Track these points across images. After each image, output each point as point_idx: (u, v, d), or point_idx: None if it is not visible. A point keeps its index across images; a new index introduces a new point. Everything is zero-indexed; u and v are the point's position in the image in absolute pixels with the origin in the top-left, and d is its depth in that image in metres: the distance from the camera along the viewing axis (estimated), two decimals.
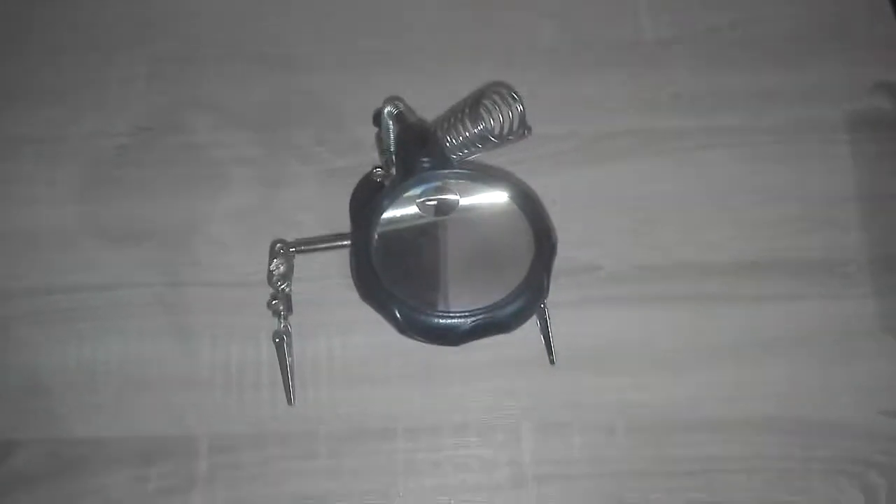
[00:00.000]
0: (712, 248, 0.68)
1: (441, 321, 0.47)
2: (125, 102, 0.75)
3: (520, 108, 0.56)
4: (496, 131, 0.56)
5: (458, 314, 0.48)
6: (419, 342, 0.52)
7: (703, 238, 0.68)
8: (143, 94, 0.75)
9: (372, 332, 0.65)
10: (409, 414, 0.64)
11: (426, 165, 0.51)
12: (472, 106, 0.55)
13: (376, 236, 0.50)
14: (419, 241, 0.51)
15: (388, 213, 0.50)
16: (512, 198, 0.51)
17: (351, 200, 0.68)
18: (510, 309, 0.48)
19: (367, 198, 0.68)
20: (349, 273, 0.63)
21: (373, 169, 0.60)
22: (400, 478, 0.62)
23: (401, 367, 0.65)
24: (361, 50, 0.77)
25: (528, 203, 0.52)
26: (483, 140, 0.56)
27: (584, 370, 0.64)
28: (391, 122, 0.56)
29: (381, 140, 0.59)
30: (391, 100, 0.57)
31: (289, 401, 0.60)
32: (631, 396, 0.64)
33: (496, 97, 0.57)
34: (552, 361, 0.61)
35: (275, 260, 0.58)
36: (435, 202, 0.51)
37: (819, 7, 0.77)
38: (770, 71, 0.75)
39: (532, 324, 0.64)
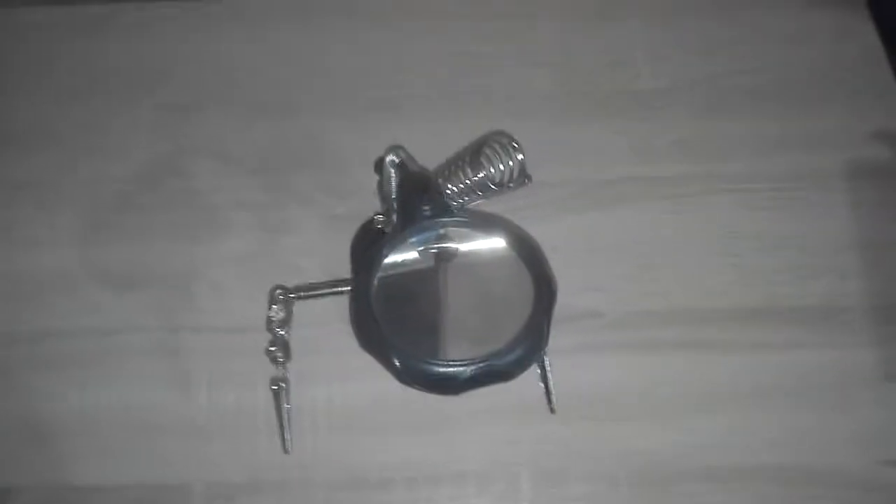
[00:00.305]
0: (712, 294, 0.68)
1: (440, 370, 0.47)
2: (127, 147, 0.75)
3: (520, 156, 0.57)
4: (496, 179, 0.57)
5: (457, 363, 0.48)
6: (419, 391, 0.52)
7: (704, 284, 0.68)
8: (145, 140, 0.76)
9: (371, 379, 0.65)
10: (408, 463, 0.63)
11: (427, 213, 0.51)
12: (473, 154, 0.56)
13: (376, 284, 0.50)
14: (419, 289, 0.51)
15: (389, 261, 0.50)
16: (511, 245, 0.51)
17: (352, 247, 0.68)
18: (510, 357, 0.48)
19: (368, 244, 0.68)
20: (348, 320, 0.63)
21: (374, 216, 0.61)
22: None
23: (399, 416, 0.65)
24: (362, 97, 0.78)
25: (527, 250, 0.52)
26: (483, 188, 0.56)
27: (585, 418, 0.64)
28: (393, 171, 0.57)
29: (382, 188, 0.59)
30: (393, 149, 0.57)
31: (284, 449, 0.60)
32: (631, 445, 0.63)
33: (496, 146, 0.57)
34: (552, 410, 0.61)
35: (274, 306, 0.58)
36: (435, 250, 0.51)
37: (817, 55, 0.78)
38: (769, 119, 0.75)
39: (531, 372, 0.64)
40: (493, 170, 0.57)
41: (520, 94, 0.77)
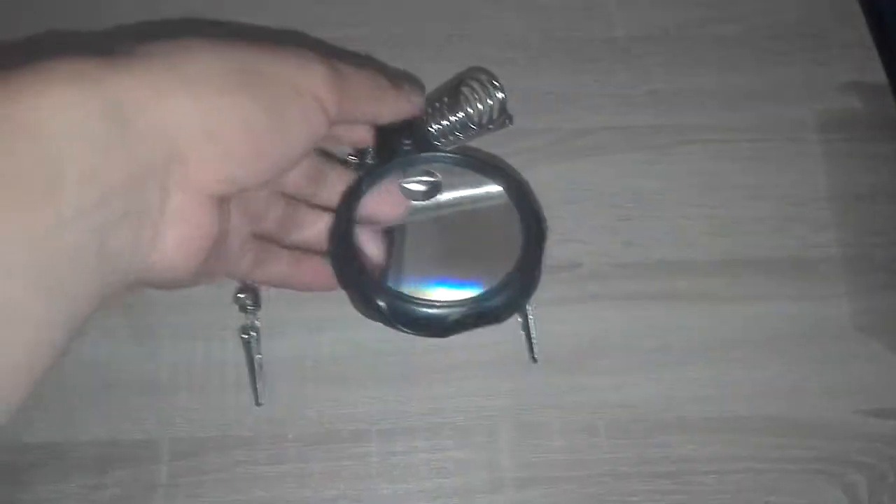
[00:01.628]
0: (689, 246, 0.67)
1: (427, 311, 0.44)
2: None
3: (500, 95, 0.55)
4: (476, 119, 0.54)
5: (445, 304, 0.45)
6: (404, 333, 0.49)
7: (681, 236, 0.68)
8: None
9: (344, 329, 0.63)
10: (383, 415, 0.61)
11: (408, 148, 0.48)
12: (452, 93, 0.53)
13: (356, 222, 0.47)
14: (402, 227, 0.49)
15: (368, 198, 0.48)
16: (499, 182, 0.49)
17: None
18: (500, 299, 0.45)
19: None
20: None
21: (347, 157, 0.58)
22: (373, 482, 0.60)
23: (374, 368, 0.63)
24: (328, 39, 0.74)
25: (515, 188, 0.49)
26: (463, 128, 0.54)
27: (564, 370, 0.63)
28: None
29: None
30: None
31: (256, 401, 0.57)
32: (610, 397, 0.62)
33: (475, 84, 0.55)
34: (534, 359, 0.60)
35: None
36: (418, 186, 0.49)
37: (790, 7, 0.78)
38: (742, 69, 0.75)
39: (511, 324, 0.63)
40: (471, 109, 0.54)
41: (492, 40, 0.75)
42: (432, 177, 0.48)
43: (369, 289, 0.45)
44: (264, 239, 0.51)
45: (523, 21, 0.76)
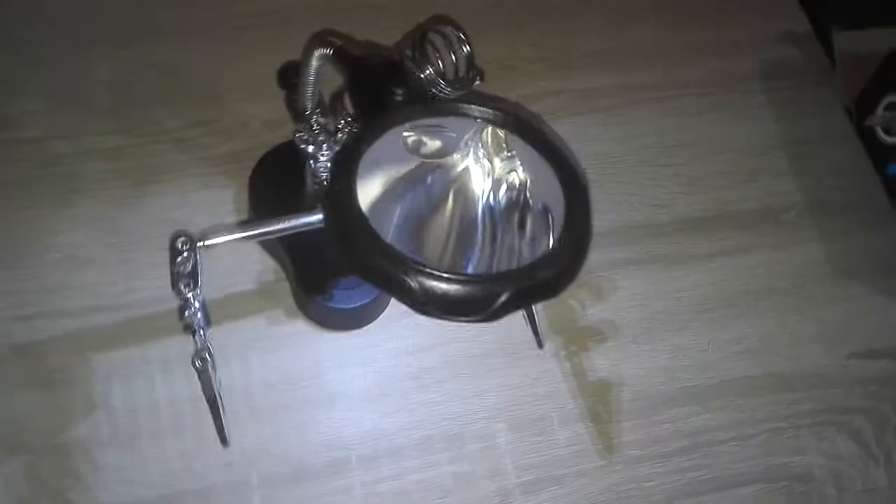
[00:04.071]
0: (659, 207, 0.63)
1: (472, 289, 0.34)
2: None
3: (466, 48, 0.47)
4: (445, 75, 0.46)
5: (492, 279, 0.35)
6: (439, 319, 0.38)
7: (646, 198, 0.63)
8: None
9: (297, 344, 0.54)
10: (361, 438, 0.52)
11: (401, 97, 0.39)
12: (417, 46, 0.45)
13: (359, 188, 0.36)
14: (416, 191, 0.39)
15: (369, 159, 0.37)
16: (520, 133, 0.40)
17: (251, 184, 0.56)
18: (554, 267, 0.36)
19: (280, 176, 0.56)
20: (265, 272, 0.51)
21: (294, 134, 0.48)
22: None
23: (341, 384, 0.53)
24: (235, 13, 0.65)
25: (541, 139, 0.40)
26: (432, 86, 0.45)
27: (549, 354, 0.56)
28: (324, 64, 0.44)
29: (305, 92, 0.47)
30: (321, 38, 0.45)
31: (223, 440, 0.46)
32: (605, 377, 0.56)
33: (439, 38, 0.47)
34: (540, 345, 0.53)
35: (178, 258, 0.44)
36: (427, 141, 0.39)
37: None
38: (682, 26, 0.71)
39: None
40: (441, 63, 0.46)
41: (425, 5, 0.68)
42: (442, 130, 0.39)
43: (394, 267, 0.35)
44: None
45: None
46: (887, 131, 0.66)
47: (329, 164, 0.48)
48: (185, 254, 0.44)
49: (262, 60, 0.62)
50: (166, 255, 0.54)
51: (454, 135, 0.39)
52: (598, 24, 0.70)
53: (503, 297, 0.33)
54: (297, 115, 0.49)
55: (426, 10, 0.51)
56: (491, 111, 0.39)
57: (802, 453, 0.56)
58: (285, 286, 0.56)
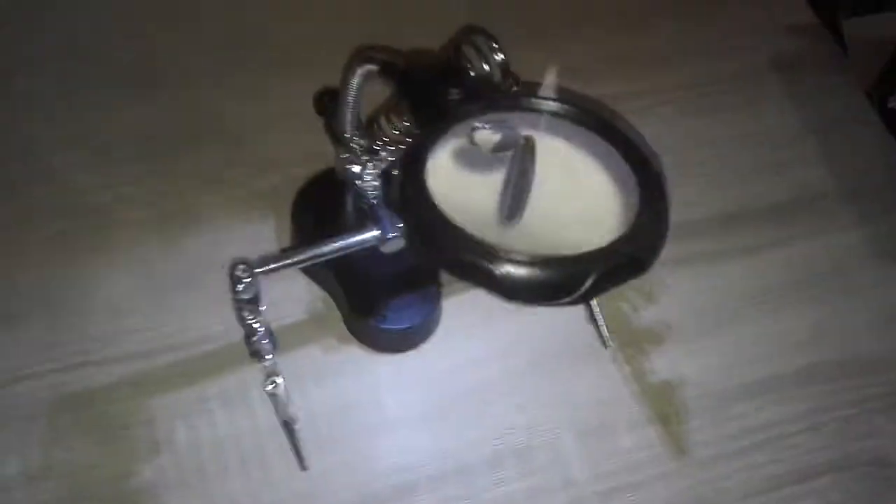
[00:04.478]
0: (692, 206, 0.63)
1: (562, 270, 0.33)
2: None
3: (500, 56, 0.47)
4: (481, 83, 0.46)
5: (582, 259, 0.34)
6: (526, 305, 0.36)
7: (679, 197, 0.62)
8: None
9: (353, 371, 0.53)
10: (427, 459, 0.51)
11: (457, 97, 0.39)
12: (453, 60, 0.45)
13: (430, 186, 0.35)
14: (483, 186, 0.39)
15: (434, 158, 0.37)
16: (585, 123, 0.40)
17: (294, 214, 0.56)
18: (642, 240, 0.35)
19: (321, 204, 0.55)
20: (314, 301, 0.50)
21: (337, 157, 0.48)
22: None
23: (401, 406, 0.52)
24: (257, 55, 0.65)
25: (607, 126, 0.39)
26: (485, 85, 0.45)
27: (607, 359, 0.55)
28: (365, 82, 0.44)
29: (342, 119, 0.47)
30: (363, 55, 0.45)
31: (301, 465, 0.44)
32: (667, 377, 0.55)
33: (471, 49, 0.47)
34: (605, 344, 0.52)
35: (239, 286, 0.44)
36: (491, 137, 0.39)
37: None
38: (688, 25, 0.72)
39: (527, 318, 0.56)
40: (474, 74, 0.46)
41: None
42: (504, 125, 0.39)
43: (480, 257, 0.33)
44: None
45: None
46: None
47: (378, 181, 0.48)
48: (246, 281, 0.43)
49: (287, 98, 0.63)
50: (211, 293, 0.55)
51: (517, 128, 0.39)
52: (605, 31, 0.71)
53: (593, 277, 0.33)
54: (337, 139, 0.49)
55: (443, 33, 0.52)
56: (552, 103, 0.39)
57: (877, 437, 0.55)
58: (335, 314, 0.55)
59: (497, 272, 0.32)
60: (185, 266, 0.56)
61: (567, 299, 0.33)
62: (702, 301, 0.59)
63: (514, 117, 0.39)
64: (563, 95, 0.40)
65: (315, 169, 0.58)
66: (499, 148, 0.38)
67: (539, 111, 0.39)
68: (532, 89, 0.40)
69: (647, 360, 0.56)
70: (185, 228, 0.57)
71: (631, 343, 0.56)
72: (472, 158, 0.39)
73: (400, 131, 0.46)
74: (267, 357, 0.43)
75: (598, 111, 0.40)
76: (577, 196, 0.39)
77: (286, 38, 0.67)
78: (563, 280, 0.33)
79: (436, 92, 0.39)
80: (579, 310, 0.56)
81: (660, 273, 0.59)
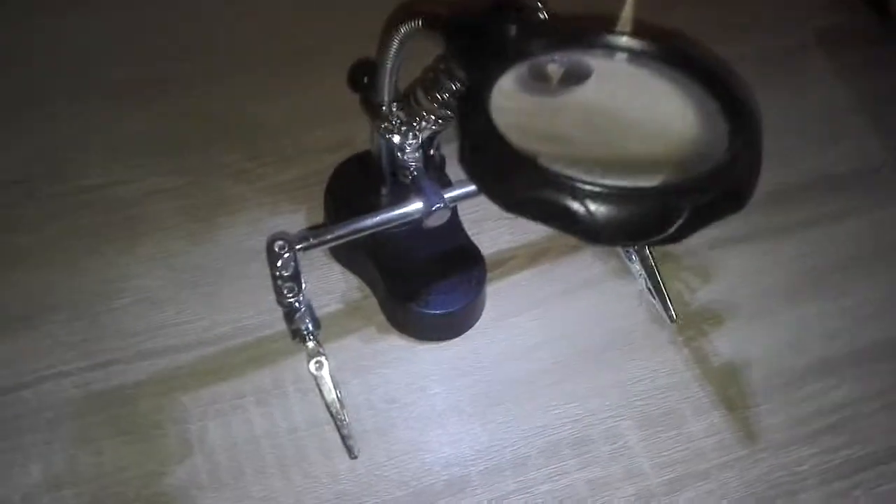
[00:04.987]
0: None
1: (652, 203, 0.29)
2: None
3: (544, 15, 0.44)
4: None
5: (672, 190, 0.29)
6: (614, 246, 0.31)
7: None
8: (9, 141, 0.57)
9: (396, 361, 0.50)
10: (479, 452, 0.47)
11: (516, 35, 0.35)
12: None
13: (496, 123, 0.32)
14: (556, 117, 0.35)
15: (497, 102, 0.33)
16: (664, 58, 0.36)
17: (328, 198, 0.54)
18: (741, 169, 0.31)
19: (355, 186, 0.53)
20: (349, 290, 0.47)
21: (377, 129, 0.45)
22: None
23: (448, 397, 0.49)
24: (276, 51, 0.63)
25: (692, 62, 0.35)
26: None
27: (665, 341, 0.52)
28: (404, 46, 0.41)
29: (381, 89, 0.44)
30: (404, 13, 0.42)
31: (351, 453, 0.41)
32: (731, 356, 0.52)
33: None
34: (672, 319, 0.48)
35: (279, 261, 0.41)
36: (557, 71, 0.36)
37: None
38: (721, 5, 0.70)
39: (571, 305, 0.53)
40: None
41: None
42: (571, 60, 0.35)
43: (558, 192, 0.29)
44: None
45: None
46: None
47: (419, 153, 0.45)
48: (286, 257, 0.40)
49: (308, 92, 0.62)
50: (246, 284, 0.52)
51: (587, 62, 0.36)
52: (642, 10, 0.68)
53: (687, 211, 0.29)
54: (375, 111, 0.47)
55: None
56: (625, 38, 0.36)
57: None
58: (373, 302, 0.52)
59: (577, 209, 0.29)
60: (219, 257, 0.54)
61: (658, 237, 0.30)
62: (760, 279, 0.56)
63: (581, 54, 0.36)
64: (637, 28, 0.36)
65: (342, 157, 0.56)
66: (569, 80, 0.35)
67: (612, 47, 0.36)
68: (600, 24, 0.37)
69: (709, 342, 0.52)
70: (214, 221, 0.55)
71: (690, 325, 0.53)
72: (539, 91, 0.36)
73: (438, 104, 0.44)
74: (310, 337, 0.40)
75: (678, 43, 0.36)
76: (646, 124, 0.35)
77: (302, 36, 0.65)
78: (655, 215, 0.29)
79: (490, 31, 0.36)
80: (632, 292, 0.53)
81: (717, 252, 0.56)
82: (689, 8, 0.69)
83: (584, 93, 0.35)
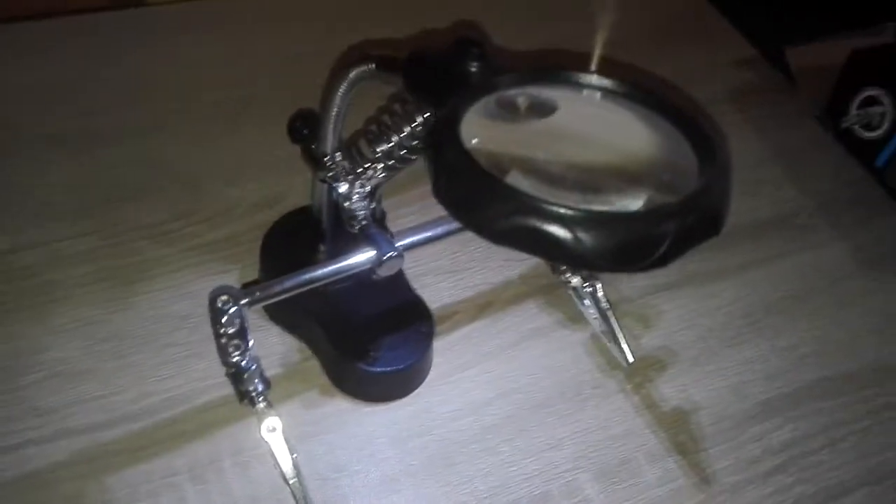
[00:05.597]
0: None
1: (638, 227, 0.28)
2: None
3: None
4: None
5: (656, 214, 0.29)
6: (602, 271, 0.30)
7: None
8: None
9: (341, 425, 0.47)
10: None
11: (477, 71, 0.34)
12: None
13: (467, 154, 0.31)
14: (535, 143, 0.34)
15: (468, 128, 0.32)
16: (624, 94, 0.36)
17: (264, 256, 0.51)
18: (715, 195, 0.30)
19: (293, 243, 0.51)
20: (289, 353, 0.45)
21: (323, 178, 0.43)
22: None
23: (400, 461, 0.46)
24: (201, 102, 0.61)
25: (650, 97, 0.35)
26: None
27: (614, 390, 0.51)
28: (352, 90, 0.40)
29: (324, 139, 0.43)
30: (355, 58, 0.41)
31: None
32: (678, 404, 0.51)
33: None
34: (629, 361, 0.47)
35: (223, 318, 0.38)
36: (522, 103, 0.35)
37: (651, 9, 0.79)
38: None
39: (519, 357, 0.52)
40: None
41: None
42: (538, 96, 0.35)
43: (544, 218, 0.28)
44: None
45: None
46: (867, 127, 0.67)
47: (366, 201, 0.43)
48: (231, 312, 0.38)
49: (235, 145, 0.59)
50: (173, 351, 0.48)
51: (553, 96, 0.35)
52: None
53: (672, 235, 0.29)
54: (317, 162, 0.45)
55: None
56: (590, 76, 0.35)
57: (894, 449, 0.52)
58: (314, 364, 0.49)
59: (565, 236, 0.27)
60: (142, 323, 0.50)
61: (646, 261, 0.29)
62: (702, 323, 0.56)
63: (546, 90, 0.35)
64: (602, 68, 0.36)
65: (275, 214, 0.54)
66: (536, 111, 0.34)
67: (576, 84, 0.36)
68: (564, 62, 0.37)
69: (655, 389, 0.52)
70: (135, 285, 0.51)
71: (636, 372, 0.52)
72: (508, 120, 0.35)
73: (383, 152, 0.43)
74: (260, 398, 0.37)
75: (642, 83, 0.37)
76: (618, 152, 0.35)
77: (232, 85, 0.64)
78: (642, 239, 0.28)
79: (453, 67, 0.35)
80: (578, 339, 0.53)
81: (654, 299, 0.57)
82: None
83: (555, 120, 0.35)
